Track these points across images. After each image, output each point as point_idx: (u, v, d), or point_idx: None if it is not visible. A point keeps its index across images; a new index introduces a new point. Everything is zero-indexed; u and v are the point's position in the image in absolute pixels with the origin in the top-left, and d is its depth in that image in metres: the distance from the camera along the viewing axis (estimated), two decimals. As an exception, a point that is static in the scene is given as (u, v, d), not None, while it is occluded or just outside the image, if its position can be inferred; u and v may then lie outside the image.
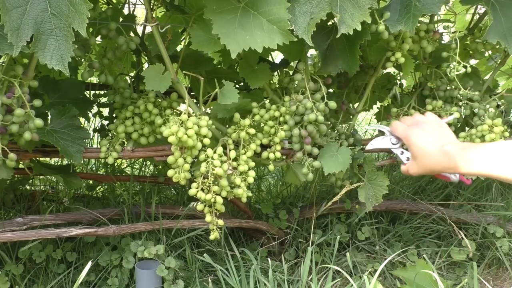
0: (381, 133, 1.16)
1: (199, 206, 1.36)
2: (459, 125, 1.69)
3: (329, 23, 1.39)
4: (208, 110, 1.45)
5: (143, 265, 1.60)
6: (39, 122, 1.20)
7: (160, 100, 1.43)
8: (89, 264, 1.28)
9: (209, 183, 1.31)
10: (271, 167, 1.46)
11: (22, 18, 1.00)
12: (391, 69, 1.78)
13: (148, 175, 2.19)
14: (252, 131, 1.39)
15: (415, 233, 2.03)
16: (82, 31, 1.03)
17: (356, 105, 1.72)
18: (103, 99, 1.73)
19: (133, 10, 1.56)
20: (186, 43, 1.39)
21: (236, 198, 1.47)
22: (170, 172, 1.31)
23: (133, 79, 1.63)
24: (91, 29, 1.35)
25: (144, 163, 2.31)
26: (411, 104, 1.69)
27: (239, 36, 1.15)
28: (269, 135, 1.45)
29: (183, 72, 1.48)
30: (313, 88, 1.40)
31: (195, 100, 1.45)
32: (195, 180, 1.34)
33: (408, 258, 1.91)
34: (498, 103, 1.65)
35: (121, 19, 1.45)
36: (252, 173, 1.38)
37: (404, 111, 1.65)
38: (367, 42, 1.60)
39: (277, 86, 1.53)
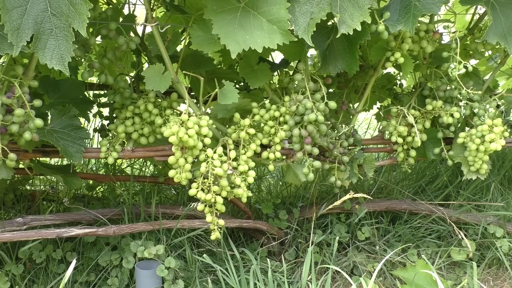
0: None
1: (200, 206, 1.36)
2: (459, 125, 1.69)
3: (329, 23, 1.39)
4: (208, 110, 1.45)
5: (143, 265, 1.60)
6: (39, 122, 1.20)
7: (160, 100, 1.43)
8: (73, 262, 1.26)
9: (209, 183, 1.31)
10: (271, 167, 1.46)
11: (22, 18, 1.01)
12: (391, 69, 1.79)
13: (148, 175, 2.19)
14: (252, 131, 1.39)
15: (415, 233, 2.03)
16: (82, 31, 1.03)
17: (356, 105, 1.72)
18: (103, 99, 1.73)
19: (133, 10, 1.56)
20: (186, 43, 1.40)
21: (236, 198, 1.47)
22: (171, 173, 1.31)
23: (133, 79, 1.63)
24: (91, 29, 1.35)
25: (144, 163, 2.31)
26: (411, 104, 1.70)
27: (239, 36, 1.15)
28: (269, 135, 1.45)
29: (183, 72, 1.48)
30: (313, 88, 1.40)
31: (195, 100, 1.45)
32: (195, 180, 1.34)
33: (408, 258, 1.90)
34: (498, 103, 1.65)
35: (121, 19, 1.45)
36: (252, 173, 1.38)
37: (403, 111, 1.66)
38: (367, 42, 1.60)
39: (277, 86, 1.53)
